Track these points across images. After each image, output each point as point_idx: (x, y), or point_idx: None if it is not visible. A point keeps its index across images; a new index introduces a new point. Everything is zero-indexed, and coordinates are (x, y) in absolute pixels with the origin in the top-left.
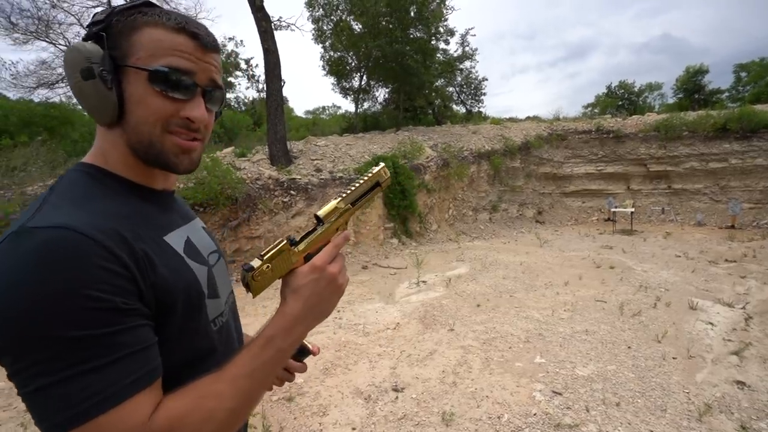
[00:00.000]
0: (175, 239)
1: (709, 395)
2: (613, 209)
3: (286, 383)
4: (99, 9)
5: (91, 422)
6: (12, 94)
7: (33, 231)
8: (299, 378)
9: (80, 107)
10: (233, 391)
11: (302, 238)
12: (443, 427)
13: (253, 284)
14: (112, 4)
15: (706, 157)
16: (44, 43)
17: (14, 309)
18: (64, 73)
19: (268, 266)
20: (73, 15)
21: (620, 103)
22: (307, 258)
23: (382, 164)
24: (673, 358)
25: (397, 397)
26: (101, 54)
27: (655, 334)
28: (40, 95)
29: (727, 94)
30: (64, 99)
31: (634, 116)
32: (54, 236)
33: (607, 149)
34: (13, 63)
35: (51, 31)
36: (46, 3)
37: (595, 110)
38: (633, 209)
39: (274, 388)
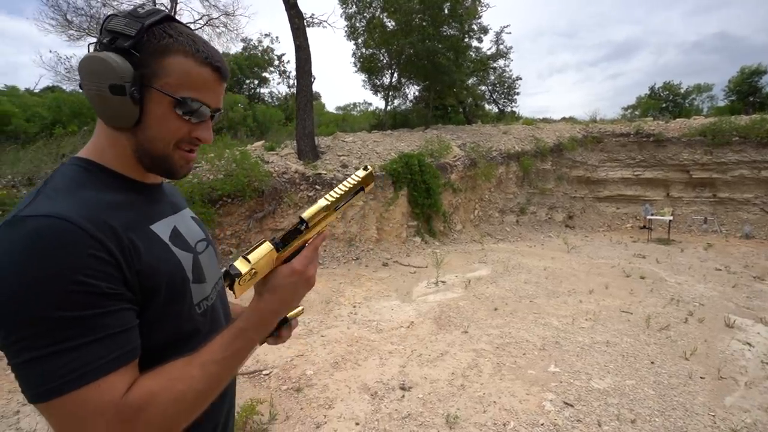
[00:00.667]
0: (162, 228)
1: (737, 420)
2: (649, 216)
3: (297, 375)
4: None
5: (70, 395)
6: (66, 87)
7: (24, 219)
8: (309, 370)
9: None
10: (203, 375)
11: (284, 240)
12: (447, 429)
13: (238, 288)
14: (156, 4)
15: (758, 165)
16: (95, 39)
17: (4, 290)
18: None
19: (254, 271)
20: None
21: (664, 105)
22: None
23: (370, 168)
24: (701, 377)
25: (403, 396)
26: (132, 74)
27: (684, 350)
28: None
29: None
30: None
31: (678, 119)
32: (43, 224)
33: (647, 153)
34: (67, 58)
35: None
36: (98, 1)
37: (636, 112)
38: (671, 217)
39: (285, 377)
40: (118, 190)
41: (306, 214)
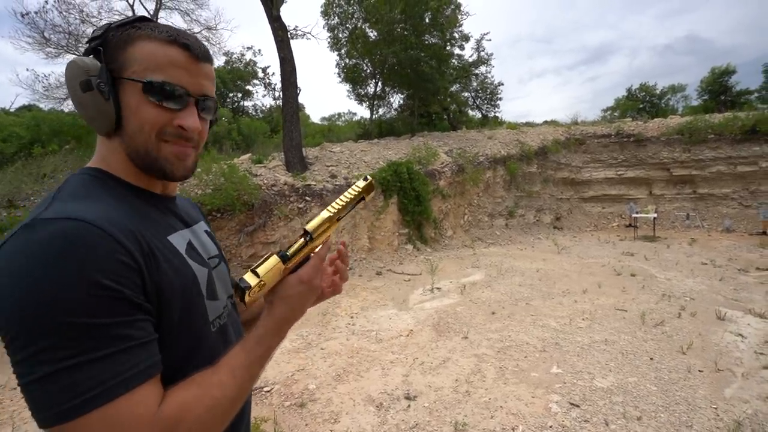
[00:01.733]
0: (178, 240)
1: (739, 412)
2: (634, 215)
3: (300, 390)
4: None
5: (98, 410)
6: (44, 105)
7: (47, 221)
8: (311, 384)
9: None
10: (233, 381)
11: (292, 253)
12: None
13: (248, 299)
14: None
15: (734, 161)
16: (73, 57)
17: (26, 295)
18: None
19: (263, 283)
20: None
21: (641, 106)
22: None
23: (370, 179)
24: (699, 371)
25: (409, 406)
26: (99, 67)
27: (680, 345)
28: (69, 106)
29: (756, 94)
30: None
31: (656, 119)
32: (67, 226)
33: (628, 153)
34: (45, 76)
35: (80, 45)
36: (76, 19)
37: (615, 114)
38: (656, 215)
39: (287, 393)
40: (131, 198)
41: (310, 225)
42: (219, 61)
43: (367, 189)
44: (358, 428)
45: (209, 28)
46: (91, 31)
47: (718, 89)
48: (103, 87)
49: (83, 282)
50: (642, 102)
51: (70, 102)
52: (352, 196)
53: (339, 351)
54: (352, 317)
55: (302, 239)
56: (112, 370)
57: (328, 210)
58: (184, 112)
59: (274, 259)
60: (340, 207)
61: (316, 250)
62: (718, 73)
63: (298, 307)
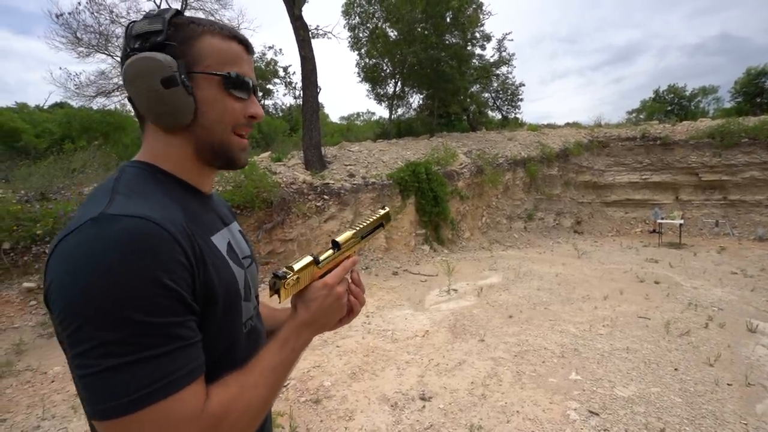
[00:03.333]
0: (219, 240)
1: None
2: (659, 221)
3: (315, 387)
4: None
5: (151, 408)
6: (75, 103)
7: (114, 218)
8: (327, 381)
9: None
10: (264, 382)
11: (323, 259)
12: None
13: (283, 291)
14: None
15: None
16: (103, 56)
17: (96, 288)
18: (123, 82)
19: (297, 278)
20: None
21: (669, 108)
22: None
23: (387, 209)
24: (728, 384)
25: (424, 406)
26: (176, 63)
27: (707, 356)
28: (98, 103)
29: None
30: (118, 106)
31: (684, 122)
32: (136, 224)
33: (654, 157)
34: (76, 74)
35: (110, 44)
36: (106, 19)
37: (641, 116)
38: (682, 221)
39: (302, 389)
40: (183, 195)
41: (339, 238)
42: None
43: (385, 217)
44: (372, 426)
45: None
46: (120, 30)
47: (754, 91)
48: (187, 83)
49: (149, 280)
50: (670, 104)
51: (99, 99)
52: (373, 219)
53: (354, 349)
54: (368, 316)
55: (331, 250)
56: (166, 369)
57: (353, 228)
58: (251, 102)
59: (308, 259)
60: (364, 226)
61: (342, 261)
62: (754, 74)
63: (320, 312)
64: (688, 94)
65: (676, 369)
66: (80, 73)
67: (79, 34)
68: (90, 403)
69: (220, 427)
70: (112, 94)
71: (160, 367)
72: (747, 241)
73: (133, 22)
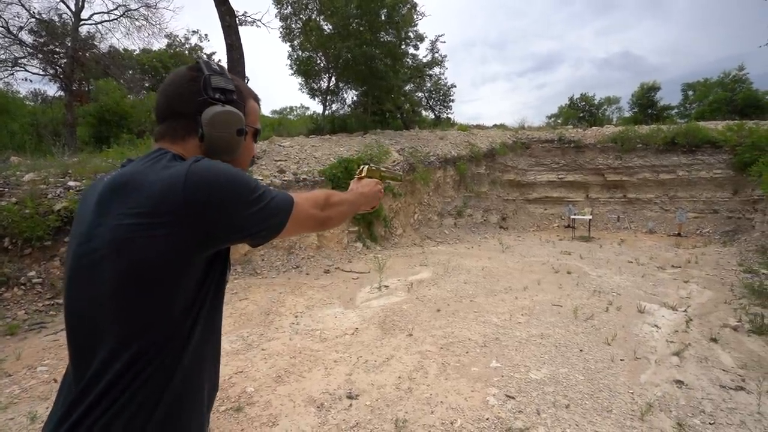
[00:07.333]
0: None
1: (651, 395)
2: (572, 216)
3: (237, 394)
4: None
5: (293, 212)
6: None
7: (213, 160)
8: (250, 387)
9: (22, 101)
10: (347, 201)
11: (375, 167)
12: None
13: (365, 171)
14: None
15: (657, 169)
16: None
17: (239, 173)
18: (204, 121)
19: (373, 167)
20: None
21: (581, 114)
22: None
23: (401, 173)
24: (621, 359)
25: (350, 405)
26: (243, 119)
27: (606, 336)
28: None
29: (676, 110)
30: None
31: (593, 128)
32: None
33: (568, 158)
34: None
35: None
36: None
37: (558, 120)
38: (591, 217)
39: (223, 397)
40: None
41: (370, 165)
42: (160, 44)
43: (399, 180)
44: (297, 430)
45: (148, 6)
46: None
47: (646, 103)
48: (246, 133)
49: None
50: (582, 111)
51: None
52: (393, 175)
53: (281, 351)
54: (296, 316)
55: (374, 166)
56: (286, 198)
57: (383, 167)
58: (254, 145)
59: (376, 167)
60: (387, 169)
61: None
62: (646, 89)
63: (363, 195)
64: (596, 102)
65: (581, 350)
66: None
67: None
68: (268, 226)
69: (328, 201)
70: None
71: (283, 198)
72: (641, 234)
73: (209, 74)
